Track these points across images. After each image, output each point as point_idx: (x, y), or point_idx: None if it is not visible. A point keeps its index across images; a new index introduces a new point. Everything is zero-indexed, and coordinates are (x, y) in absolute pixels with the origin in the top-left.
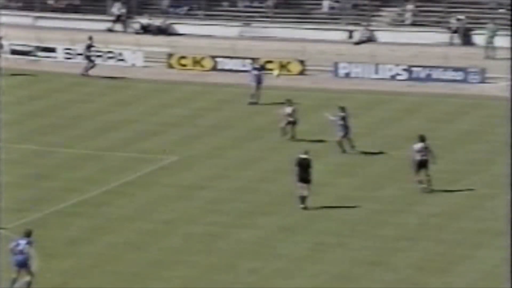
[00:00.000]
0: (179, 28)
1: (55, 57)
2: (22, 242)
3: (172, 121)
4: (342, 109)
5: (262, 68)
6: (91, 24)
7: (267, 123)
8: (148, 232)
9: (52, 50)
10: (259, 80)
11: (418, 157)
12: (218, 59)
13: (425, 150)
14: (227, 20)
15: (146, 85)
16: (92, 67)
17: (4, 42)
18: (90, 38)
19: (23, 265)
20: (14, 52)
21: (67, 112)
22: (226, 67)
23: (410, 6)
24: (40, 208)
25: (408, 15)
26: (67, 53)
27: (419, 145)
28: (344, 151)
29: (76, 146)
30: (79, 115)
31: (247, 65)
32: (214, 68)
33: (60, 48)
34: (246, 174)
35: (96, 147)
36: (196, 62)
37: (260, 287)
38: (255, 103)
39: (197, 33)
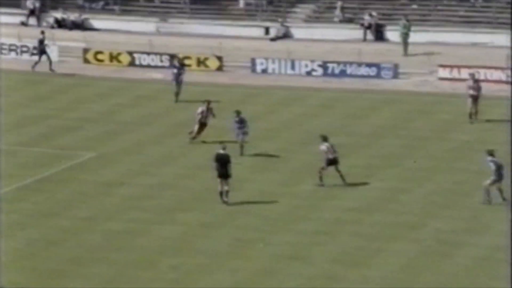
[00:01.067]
0: (95, 23)
1: None
2: None
3: (89, 117)
4: (238, 113)
5: (182, 65)
6: (5, 18)
7: (186, 119)
8: (66, 228)
9: None
10: (178, 78)
11: (330, 155)
12: (135, 55)
13: (333, 148)
14: (144, 16)
15: (62, 80)
16: (37, 63)
17: None
18: (43, 33)
19: None
20: None
21: None
22: (144, 63)
23: (324, 3)
24: None
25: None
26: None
27: (325, 145)
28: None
29: None
30: None
31: (166, 61)
32: (131, 64)
33: None
34: (166, 171)
35: (11, 142)
36: (113, 57)
37: (181, 283)
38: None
39: (113, 28)
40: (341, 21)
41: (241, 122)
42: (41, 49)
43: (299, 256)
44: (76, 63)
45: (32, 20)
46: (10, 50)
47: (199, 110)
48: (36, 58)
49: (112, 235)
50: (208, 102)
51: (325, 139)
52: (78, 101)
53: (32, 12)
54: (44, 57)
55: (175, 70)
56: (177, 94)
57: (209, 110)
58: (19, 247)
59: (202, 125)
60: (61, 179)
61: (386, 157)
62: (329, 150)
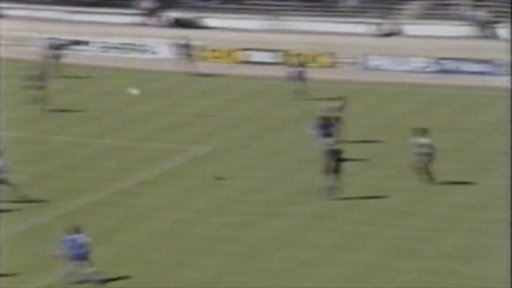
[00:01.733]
0: (210, 22)
1: (89, 50)
2: (78, 237)
3: (203, 112)
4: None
5: (302, 64)
6: (124, 18)
7: (295, 115)
8: (183, 221)
9: (85, 43)
10: (300, 77)
11: (424, 150)
12: (247, 52)
13: (429, 143)
14: (257, 14)
15: (178, 78)
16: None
17: (37, 35)
18: (186, 38)
19: (85, 258)
20: (50, 46)
21: (100, 104)
22: (255, 60)
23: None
24: (79, 198)
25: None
26: (101, 46)
27: (422, 140)
28: None
29: (110, 137)
30: (112, 107)
31: (278, 58)
32: (243, 61)
33: (94, 41)
34: (276, 164)
35: (130, 138)
36: (226, 54)
37: (293, 275)
38: (299, 99)
39: (227, 27)
40: (453, 18)
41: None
42: (187, 55)
43: (411, 251)
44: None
45: (151, 20)
46: (130, 49)
47: (330, 105)
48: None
49: (226, 227)
50: (341, 99)
51: (423, 133)
52: (193, 97)
53: (150, 12)
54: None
55: (294, 69)
56: (298, 91)
57: (340, 107)
58: (138, 240)
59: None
60: (178, 173)
61: (498, 154)
62: (425, 145)
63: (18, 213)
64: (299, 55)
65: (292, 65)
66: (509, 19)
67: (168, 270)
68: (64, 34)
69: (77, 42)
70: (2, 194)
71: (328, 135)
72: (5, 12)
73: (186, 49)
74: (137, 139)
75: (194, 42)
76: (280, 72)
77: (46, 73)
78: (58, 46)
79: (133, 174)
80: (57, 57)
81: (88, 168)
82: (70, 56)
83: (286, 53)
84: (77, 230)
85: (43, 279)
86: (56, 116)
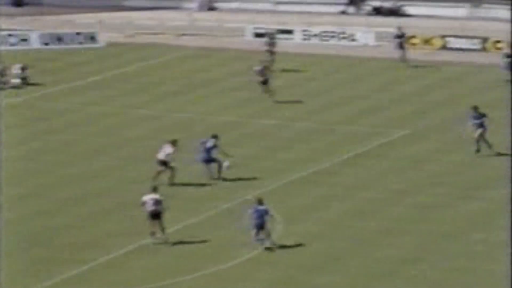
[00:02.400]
0: (409, 10)
1: (292, 39)
2: (261, 208)
3: (401, 97)
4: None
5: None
6: (326, 8)
7: (491, 101)
8: (377, 200)
9: (290, 32)
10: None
11: None
12: (447, 38)
13: None
14: (457, 1)
15: (377, 63)
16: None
17: (248, 26)
18: (400, 28)
19: (262, 227)
20: (256, 35)
21: (301, 89)
22: (455, 46)
23: None
24: (280, 177)
25: None
26: (304, 35)
27: None
28: None
29: (310, 119)
30: (309, 92)
31: (477, 44)
32: (443, 47)
33: (297, 30)
34: (469, 149)
35: (329, 121)
36: (425, 41)
37: (488, 256)
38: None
39: (426, 14)
40: None
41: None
42: (400, 43)
43: None
44: (390, 48)
45: (351, 9)
46: (330, 37)
47: None
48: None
49: (420, 208)
50: None
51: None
52: (390, 82)
53: (351, 1)
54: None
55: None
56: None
57: None
58: (334, 217)
59: None
60: (375, 155)
61: None
62: None
63: (227, 191)
64: (497, 42)
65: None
66: None
67: (363, 247)
68: (270, 24)
69: (282, 31)
70: (213, 172)
71: None
72: (217, 4)
73: (398, 37)
74: (336, 122)
75: (392, 30)
76: (480, 58)
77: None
78: (271, 37)
79: (331, 155)
80: (271, 46)
81: (289, 150)
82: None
83: (485, 40)
84: (260, 202)
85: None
86: (259, 100)
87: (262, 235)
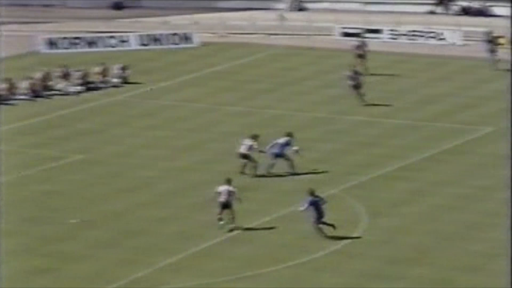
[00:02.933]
0: (496, 10)
1: (380, 38)
2: (314, 199)
3: (487, 95)
4: None
5: None
6: (415, 8)
7: None
8: (465, 196)
9: (378, 31)
10: None
11: None
12: None
13: None
14: None
15: (464, 62)
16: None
17: (336, 25)
18: (490, 33)
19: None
20: (345, 34)
21: (389, 87)
22: None
23: None
24: (367, 172)
25: None
26: (392, 34)
27: None
28: None
29: (398, 116)
30: (396, 90)
31: None
32: None
33: (385, 29)
34: None
35: (416, 118)
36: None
37: None
38: None
39: None
40: None
41: None
42: (490, 48)
43: None
44: (478, 47)
45: (440, 9)
46: (418, 36)
47: None
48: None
49: (507, 203)
50: None
51: None
52: (477, 80)
53: (439, 1)
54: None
55: None
56: None
57: None
58: (421, 212)
59: None
60: (461, 151)
61: None
62: None
63: (314, 184)
64: None
65: None
66: None
67: (450, 241)
68: (358, 23)
69: (370, 31)
70: (294, 168)
71: None
72: (306, 5)
73: (489, 42)
74: (423, 119)
75: (480, 29)
76: None
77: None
78: (362, 41)
79: (417, 151)
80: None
81: (376, 146)
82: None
83: None
84: (312, 193)
85: (334, 244)
86: (348, 97)
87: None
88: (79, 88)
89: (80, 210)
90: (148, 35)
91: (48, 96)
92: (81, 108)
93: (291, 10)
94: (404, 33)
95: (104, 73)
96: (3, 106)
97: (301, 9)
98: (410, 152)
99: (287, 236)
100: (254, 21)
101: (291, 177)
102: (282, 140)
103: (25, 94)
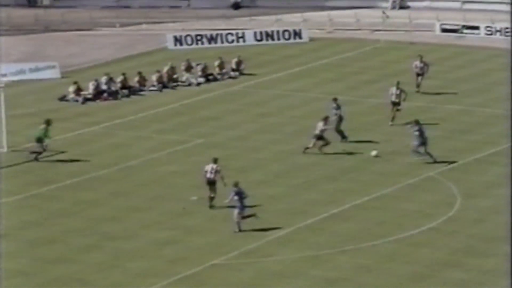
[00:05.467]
0: None
1: (478, 34)
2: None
3: None
4: None
5: None
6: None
7: None
8: None
9: (476, 28)
10: None
11: None
12: None
13: None
14: None
15: None
16: None
17: (436, 22)
18: None
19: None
20: (444, 30)
21: (485, 79)
22: None
23: None
24: (462, 157)
25: None
26: (488, 30)
27: None
28: None
29: (492, 106)
30: (492, 81)
31: None
32: None
33: (482, 26)
34: None
35: (509, 108)
36: None
37: None
38: None
39: None
40: None
41: None
42: None
43: None
44: None
45: None
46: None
47: None
48: None
49: None
50: None
51: None
52: None
53: None
54: None
55: None
56: None
57: None
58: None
59: None
60: None
61: None
62: None
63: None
64: None
65: None
66: None
67: None
68: (457, 20)
69: (469, 27)
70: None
71: None
72: (408, 3)
73: None
74: None
75: None
76: None
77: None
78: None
79: (509, 138)
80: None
81: (471, 132)
82: (462, 39)
83: None
84: (236, 185)
85: (428, 222)
86: (446, 87)
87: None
88: (200, 79)
89: (201, 188)
90: (262, 32)
91: (173, 87)
92: (202, 98)
93: (393, 8)
94: (499, 29)
95: (222, 66)
96: (135, 97)
97: (402, 7)
98: (502, 139)
99: (386, 214)
100: (359, 18)
101: (393, 160)
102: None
103: (154, 86)
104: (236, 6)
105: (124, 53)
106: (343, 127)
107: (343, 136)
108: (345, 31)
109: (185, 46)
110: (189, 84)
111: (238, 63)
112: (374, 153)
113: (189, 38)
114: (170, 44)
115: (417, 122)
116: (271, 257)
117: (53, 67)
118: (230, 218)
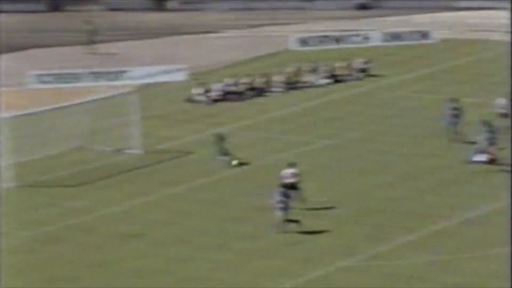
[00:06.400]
0: None
1: None
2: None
3: None
4: None
5: None
6: None
7: None
8: None
9: None
10: None
11: None
12: None
13: None
14: None
15: None
16: None
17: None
18: None
19: None
20: None
21: None
22: None
23: None
24: None
25: None
26: None
27: None
28: None
29: None
30: None
31: None
32: None
33: None
34: None
35: None
36: None
37: None
38: None
39: None
40: None
41: None
42: None
43: None
44: None
45: None
46: None
47: None
48: None
49: None
50: None
51: None
52: None
53: None
54: None
55: None
56: None
57: None
58: None
59: None
60: None
61: None
62: None
63: None
64: None
65: None
66: None
67: None
68: None
69: None
70: None
71: None
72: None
73: None
74: None
75: None
76: None
77: None
78: None
79: None
80: None
81: None
82: None
83: None
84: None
85: None
86: None
87: None
88: (326, 81)
89: (327, 189)
90: (389, 33)
91: (298, 89)
92: (327, 99)
93: None
94: None
95: (348, 67)
96: (260, 98)
97: None
98: None
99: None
100: (491, 20)
101: None
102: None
103: (279, 87)
104: (363, 7)
105: (249, 54)
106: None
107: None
108: (476, 32)
109: (310, 47)
110: (314, 86)
111: (364, 64)
112: (234, 162)
113: (314, 39)
114: (294, 45)
115: None
116: (399, 260)
117: (182, 69)
118: (359, 221)
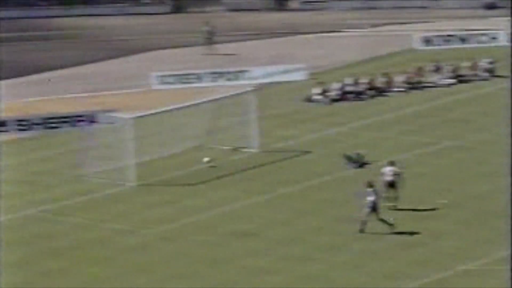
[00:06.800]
0: None
1: None
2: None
3: None
4: None
5: None
6: None
7: None
8: None
9: None
10: None
11: None
12: None
13: None
14: None
15: None
16: None
17: None
18: None
19: None
20: None
21: None
22: None
23: None
24: None
25: None
26: None
27: None
28: None
29: None
30: None
31: None
32: None
33: None
34: None
35: None
36: None
37: None
38: None
39: None
40: None
41: None
42: None
43: None
44: None
45: None
46: None
47: None
48: None
49: None
50: None
51: None
52: None
53: None
54: None
55: None
56: None
57: None
58: None
59: None
60: None
61: None
62: None
63: None
64: None
65: None
66: None
67: None
68: None
69: None
70: None
71: None
72: None
73: None
74: None
75: None
76: None
77: None
78: None
79: None
80: None
81: None
82: None
83: None
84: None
85: None
86: None
87: None
88: (450, 81)
89: (447, 191)
90: None
91: (421, 88)
92: (450, 99)
93: None
94: None
95: (473, 67)
96: (381, 98)
97: None
98: None
99: None
100: None
101: None
102: None
103: (400, 87)
104: (491, 6)
105: (370, 54)
106: None
107: None
108: None
109: (434, 47)
110: (438, 86)
111: (490, 64)
112: (206, 159)
113: (439, 39)
114: (418, 45)
115: None
116: None
117: (301, 69)
118: (478, 224)
